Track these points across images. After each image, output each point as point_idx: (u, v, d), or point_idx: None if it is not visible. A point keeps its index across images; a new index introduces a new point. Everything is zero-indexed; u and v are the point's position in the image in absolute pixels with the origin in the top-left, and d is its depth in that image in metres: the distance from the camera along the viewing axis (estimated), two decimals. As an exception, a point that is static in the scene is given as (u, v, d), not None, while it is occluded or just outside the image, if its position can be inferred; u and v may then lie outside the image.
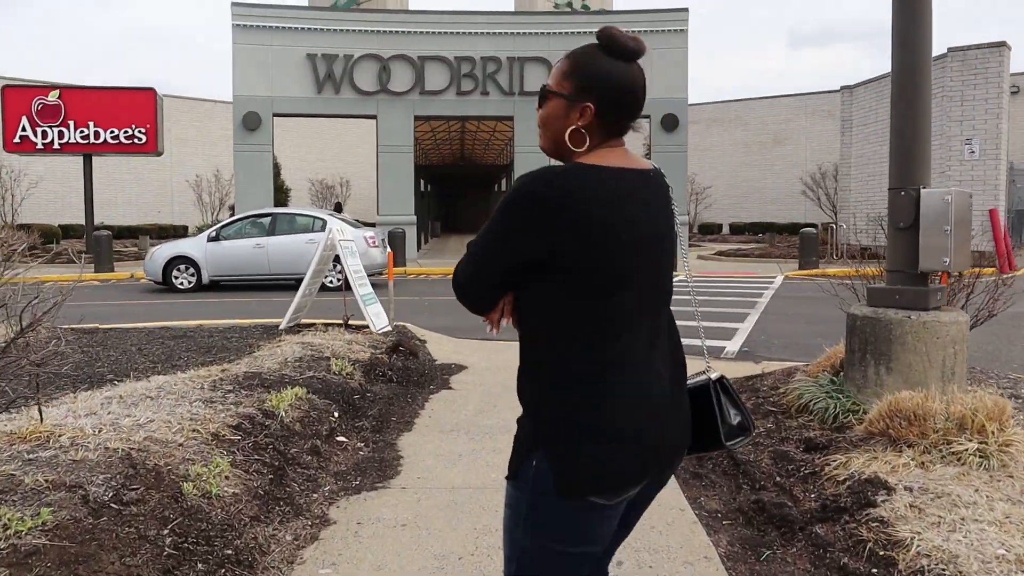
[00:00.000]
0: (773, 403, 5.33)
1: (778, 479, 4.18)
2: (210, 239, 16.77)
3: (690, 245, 25.35)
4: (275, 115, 23.93)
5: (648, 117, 24.42)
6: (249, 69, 23.63)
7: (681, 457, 1.93)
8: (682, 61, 24.13)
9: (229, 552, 3.42)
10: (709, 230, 41.12)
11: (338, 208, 31.81)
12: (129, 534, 3.29)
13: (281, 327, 8.97)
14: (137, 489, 3.59)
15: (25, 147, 24.10)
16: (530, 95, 24.12)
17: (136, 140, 24.37)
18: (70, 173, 35.23)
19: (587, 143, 1.83)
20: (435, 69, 24.14)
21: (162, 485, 3.71)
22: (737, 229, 41.82)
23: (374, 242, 16.61)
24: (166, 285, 16.60)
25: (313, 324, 9.17)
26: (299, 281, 17.36)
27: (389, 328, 9.13)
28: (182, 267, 16.55)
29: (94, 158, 27.33)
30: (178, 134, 42.52)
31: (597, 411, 1.74)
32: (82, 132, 24.03)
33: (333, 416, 5.40)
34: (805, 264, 20.07)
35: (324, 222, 16.51)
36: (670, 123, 24.01)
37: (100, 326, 9.96)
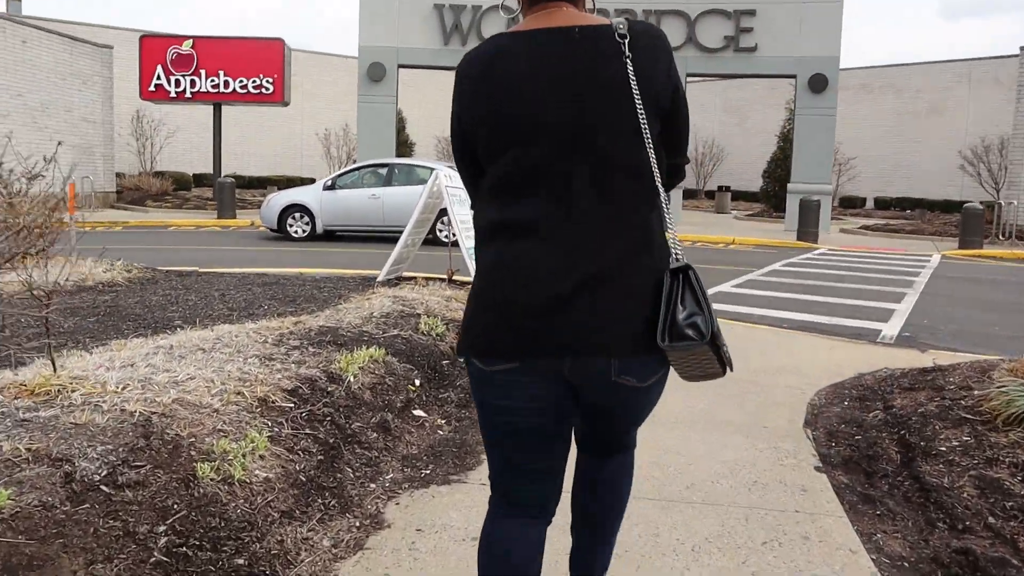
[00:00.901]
0: (967, 408, 4.11)
1: (990, 519, 3.03)
2: (326, 187, 16.34)
3: (832, 219, 23.36)
4: (400, 66, 23.36)
5: (794, 77, 22.49)
6: (376, 19, 23.11)
7: (606, 345, 1.72)
8: (835, 16, 22.00)
9: (240, 562, 2.60)
10: (851, 203, 38.31)
11: None
12: (112, 529, 2.51)
13: (378, 279, 8.23)
14: (141, 467, 2.81)
15: (159, 95, 24.52)
16: (665, 50, 22.57)
17: (264, 90, 24.39)
18: (205, 124, 36.02)
19: (519, 7, 1.87)
20: (565, 21, 22.92)
21: (176, 463, 2.92)
22: (883, 204, 38.82)
23: None
24: (281, 233, 16.31)
25: (414, 278, 8.40)
26: (415, 233, 17.39)
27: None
28: (297, 215, 16.20)
29: (224, 107, 27.69)
30: (308, 88, 42.92)
31: (480, 275, 1.80)
32: (212, 81, 24.22)
33: (414, 384, 4.55)
34: (967, 243, 17.96)
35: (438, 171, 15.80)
36: (818, 84, 22.00)
37: (199, 269, 9.54)
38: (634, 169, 1.73)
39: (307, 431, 3.61)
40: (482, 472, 3.58)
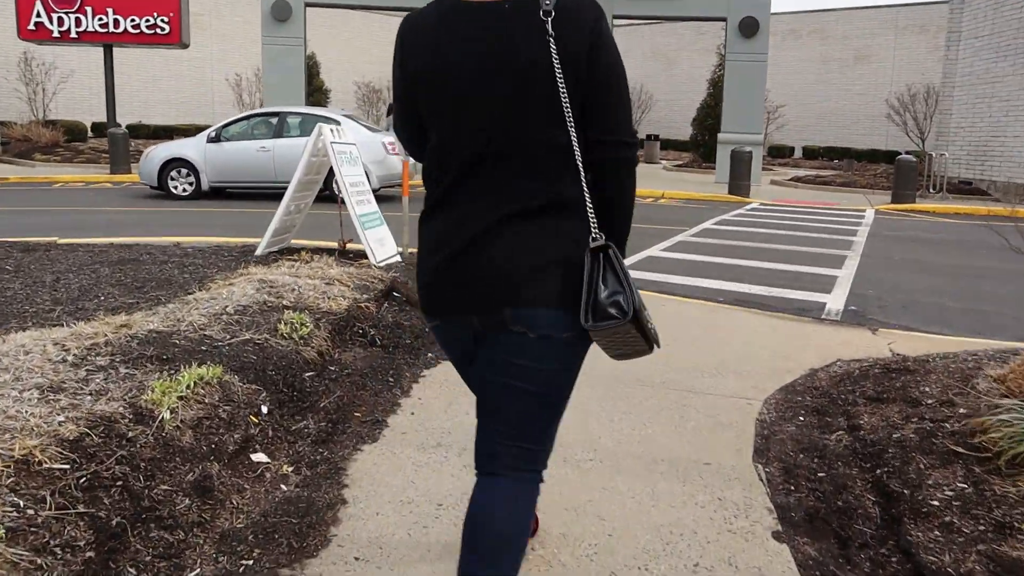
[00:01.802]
0: (955, 436, 3.28)
1: (1024, 633, 2.18)
2: (210, 140, 14.72)
3: (762, 169, 22.77)
4: (307, 4, 21.66)
5: (724, 20, 21.61)
6: (281, -48, 21.33)
7: (498, 309, 1.79)
8: (767, -44, 21.15)
9: None
10: (780, 153, 38.01)
11: (391, 108, 29.37)
12: None
13: (256, 253, 7.08)
14: None
15: (41, 35, 22.28)
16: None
17: (159, 30, 22.37)
18: (104, 67, 33.65)
19: None
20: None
21: None
22: (811, 153, 38.65)
23: (394, 148, 14.38)
24: (162, 191, 14.70)
25: (301, 249, 7.27)
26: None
27: (397, 258, 7.19)
28: (180, 171, 14.60)
29: (122, 49, 25.54)
30: (220, 29, 40.47)
31: (419, 242, 1.95)
32: (100, 20, 22.09)
33: (257, 415, 3.50)
34: (900, 197, 17.49)
35: (338, 124, 14.48)
36: (749, 28, 21.16)
37: (57, 240, 8.22)
38: (547, 146, 1.76)
39: (81, 509, 2.56)
40: (331, 554, 2.58)
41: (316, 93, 29.91)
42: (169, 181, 14.60)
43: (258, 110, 15.89)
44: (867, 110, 38.80)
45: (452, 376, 4.41)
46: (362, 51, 45.24)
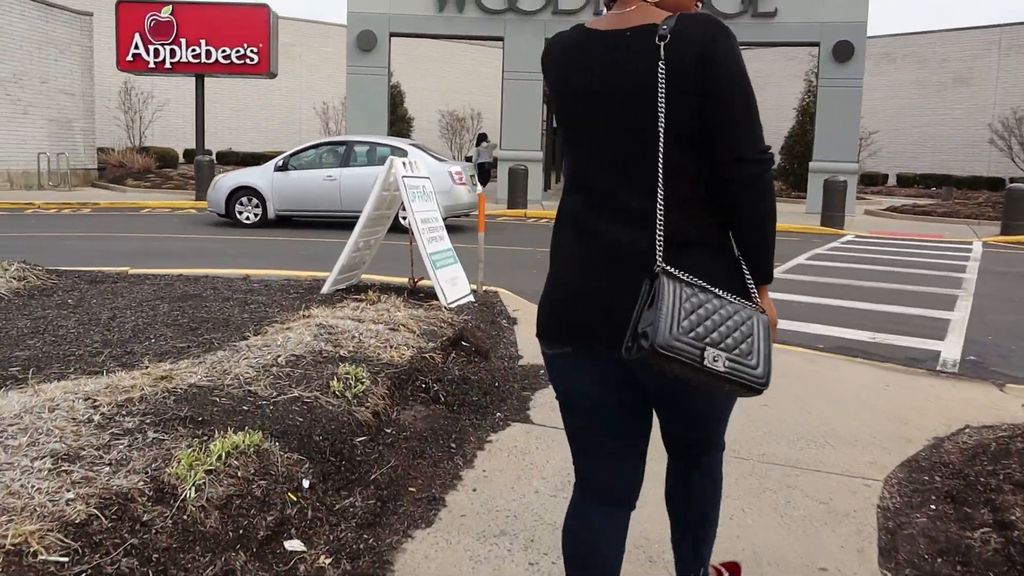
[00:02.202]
0: None
1: None
2: (277, 168, 14.63)
3: (856, 198, 21.68)
4: (392, 35, 21.73)
5: (817, 45, 20.74)
6: (366, -17, 21.49)
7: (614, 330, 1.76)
8: (863, -23, 20.24)
9: None
10: (872, 181, 36.46)
11: (482, 138, 29.15)
12: None
13: (323, 291, 6.76)
14: None
15: (138, 66, 22.99)
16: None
17: (248, 60, 22.82)
18: (195, 96, 34.70)
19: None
20: (570, -15, 21.21)
21: None
22: (905, 181, 37.00)
23: (460, 178, 14.05)
24: (230, 218, 14.67)
25: (370, 287, 6.93)
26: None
27: (470, 298, 6.78)
28: (246, 199, 14.54)
29: (215, 79, 26.20)
30: (308, 59, 41.37)
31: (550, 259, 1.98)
32: (193, 51, 22.66)
33: (295, 491, 3.08)
34: (1011, 229, 16.28)
35: (405, 153, 14.26)
36: (843, 52, 20.24)
37: (129, 270, 8.11)
38: (658, 169, 1.76)
39: (74, 616, 2.17)
40: None
41: (399, 122, 30.07)
42: (236, 210, 14.58)
43: (326, 139, 15.83)
44: (967, 135, 36.98)
45: (522, 443, 3.93)
46: (447, 80, 45.58)
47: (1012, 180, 33.11)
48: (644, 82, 1.73)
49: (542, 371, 5.13)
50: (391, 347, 4.80)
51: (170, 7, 22.81)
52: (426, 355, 4.78)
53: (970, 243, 15.46)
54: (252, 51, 22.69)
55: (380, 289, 6.79)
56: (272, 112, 40.63)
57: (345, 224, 14.72)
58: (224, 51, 22.65)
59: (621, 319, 1.73)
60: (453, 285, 6.56)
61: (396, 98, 30.13)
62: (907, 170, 37.79)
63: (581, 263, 1.83)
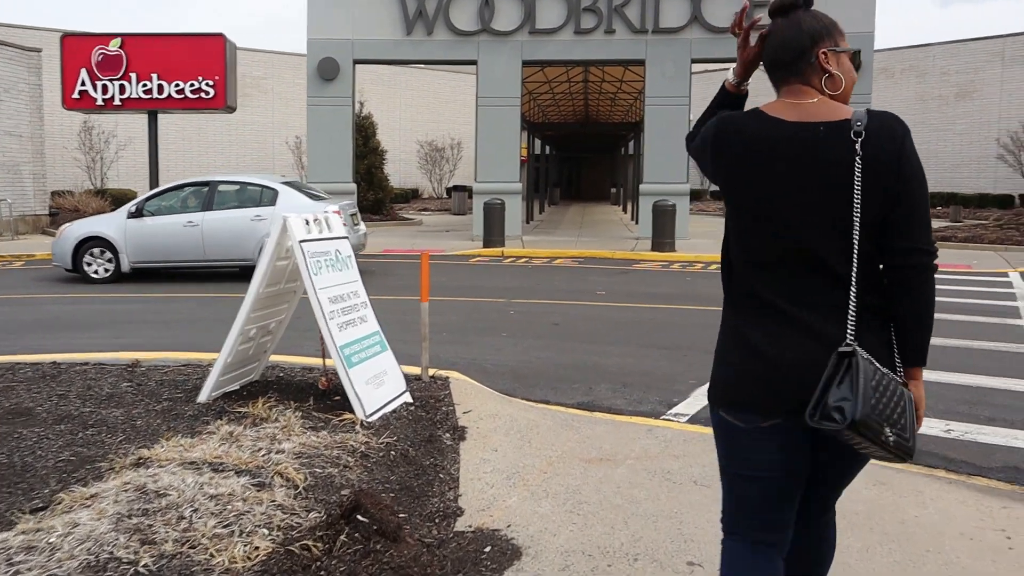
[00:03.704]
0: None
1: None
2: (130, 215, 12.77)
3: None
4: (356, 62, 20.04)
5: (818, 59, 19.11)
6: (327, 8, 19.84)
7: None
8: (866, -14, 18.67)
9: None
10: (874, 200, 34.88)
11: None
12: None
13: (199, 398, 4.89)
14: None
15: (85, 103, 21.20)
16: (666, 32, 19.25)
17: (203, 94, 21.03)
18: (163, 133, 33.00)
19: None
20: (548, 2, 19.59)
21: None
22: (908, 200, 35.39)
23: (339, 219, 12.09)
24: (78, 273, 12.75)
25: (269, 389, 5.09)
26: (244, 269, 12.55)
27: (405, 398, 4.97)
28: (97, 251, 12.67)
29: (172, 115, 24.48)
30: (281, 92, 39.81)
31: (724, 337, 2.05)
32: (145, 85, 20.88)
33: None
34: (1049, 256, 14.56)
35: (275, 193, 12.44)
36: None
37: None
38: (852, 256, 1.87)
39: None
40: None
41: (372, 155, 28.37)
42: (85, 261, 12.69)
43: (186, 180, 14.04)
44: (972, 151, 35.40)
45: None
46: (423, 109, 43.96)
47: (1022, 197, 31.54)
48: (840, 176, 1.87)
49: (488, 547, 3.29)
50: (242, 533, 2.97)
51: (119, 40, 21.08)
52: (296, 546, 2.94)
53: (1005, 274, 13.69)
54: (208, 84, 20.93)
55: (280, 391, 4.96)
56: (243, 148, 38.96)
57: (209, 275, 12.97)
58: (178, 85, 20.89)
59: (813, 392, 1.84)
60: (378, 386, 4.74)
61: (368, 129, 28.45)
62: (909, 188, 36.17)
63: (778, 337, 1.90)
